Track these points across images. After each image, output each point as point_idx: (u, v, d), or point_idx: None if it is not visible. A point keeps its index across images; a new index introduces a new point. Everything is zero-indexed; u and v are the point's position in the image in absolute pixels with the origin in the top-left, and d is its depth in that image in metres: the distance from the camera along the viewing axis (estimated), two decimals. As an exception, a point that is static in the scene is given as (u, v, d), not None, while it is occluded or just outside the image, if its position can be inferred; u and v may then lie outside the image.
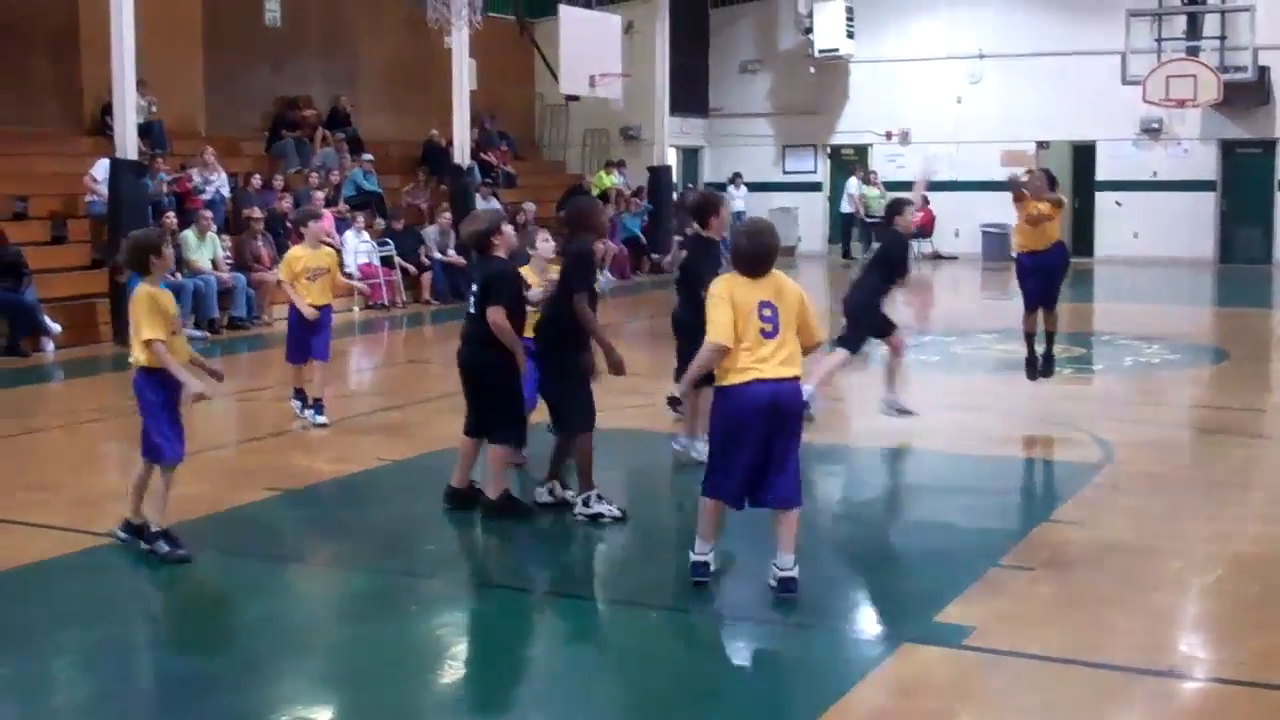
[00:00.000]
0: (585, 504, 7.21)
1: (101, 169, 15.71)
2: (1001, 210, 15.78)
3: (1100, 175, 26.24)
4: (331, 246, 12.17)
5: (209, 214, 16.62)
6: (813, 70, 27.72)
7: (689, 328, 7.54)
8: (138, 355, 6.47)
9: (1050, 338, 10.53)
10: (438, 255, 19.67)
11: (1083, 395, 11.52)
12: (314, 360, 9.98)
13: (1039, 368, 10.53)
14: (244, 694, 5.03)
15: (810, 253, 28.16)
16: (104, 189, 15.53)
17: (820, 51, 27.30)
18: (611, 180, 24.85)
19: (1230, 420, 10.38)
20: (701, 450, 7.65)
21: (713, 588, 6.06)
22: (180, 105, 19.26)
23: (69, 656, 5.49)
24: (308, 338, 9.94)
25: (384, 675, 5.18)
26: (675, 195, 25.38)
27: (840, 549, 7.09)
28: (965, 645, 5.34)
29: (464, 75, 19.48)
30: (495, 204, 19.52)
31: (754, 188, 27.90)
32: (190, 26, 19.57)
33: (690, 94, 27.71)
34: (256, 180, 18.55)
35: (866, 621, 5.97)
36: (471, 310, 7.18)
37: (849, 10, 27.11)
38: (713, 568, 6.08)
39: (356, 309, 18.00)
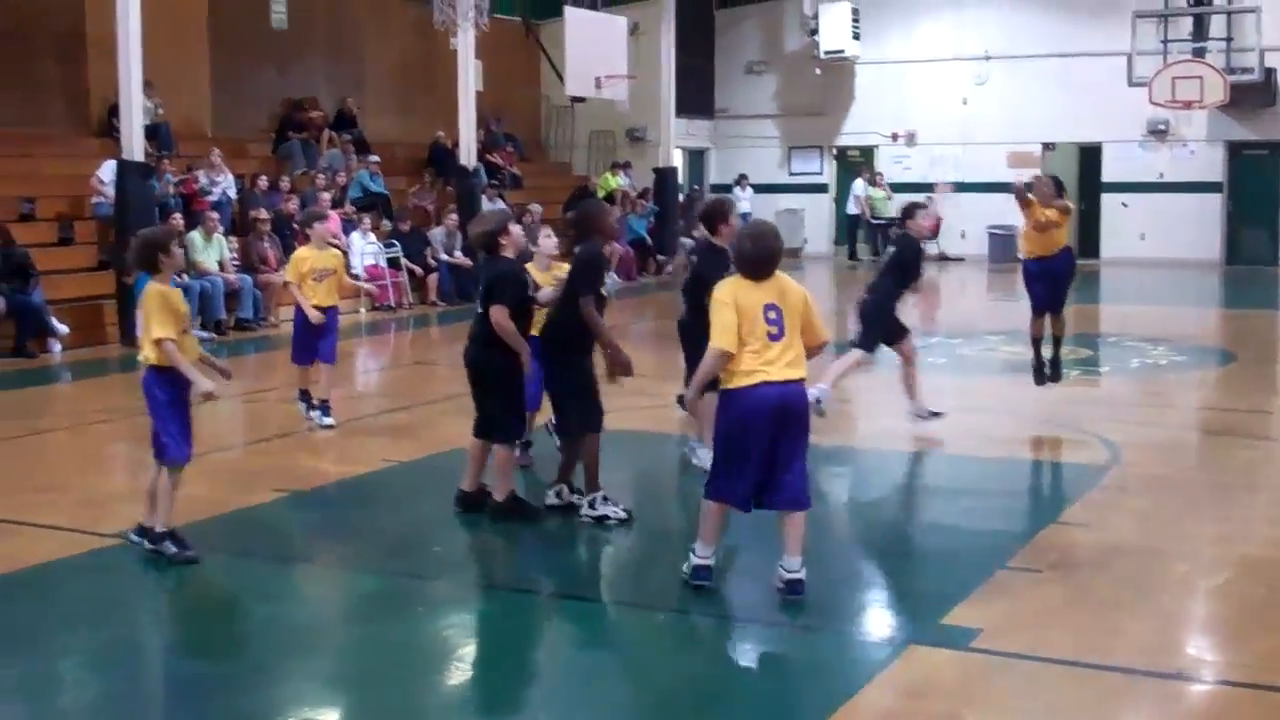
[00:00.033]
0: (591, 505, 7.21)
1: (108, 170, 15.74)
2: (1008, 212, 15.76)
3: (1106, 177, 26.18)
4: (338, 248, 12.18)
5: (215, 215, 16.65)
6: (818, 71, 27.68)
7: (695, 334, 7.53)
8: (148, 354, 6.46)
9: (1057, 343, 10.52)
10: (444, 257, 19.68)
11: (1089, 397, 11.50)
12: (321, 363, 9.99)
13: (1046, 373, 10.54)
14: (251, 695, 5.04)
15: (816, 254, 28.14)
16: (111, 190, 15.55)
17: (826, 53, 27.25)
18: (617, 182, 24.84)
19: (1237, 422, 10.36)
20: (703, 457, 7.64)
21: (719, 590, 6.06)
22: (187, 107, 19.28)
23: (76, 657, 5.50)
24: (314, 340, 9.94)
25: (390, 677, 5.19)
26: (681, 197, 25.37)
27: (847, 551, 7.10)
28: (973, 647, 5.33)
29: (470, 77, 19.48)
30: (501, 205, 19.50)
31: (760, 189, 27.91)
32: (196, 28, 19.58)
33: (696, 95, 27.68)
34: (263, 182, 18.58)
35: (873, 623, 5.96)
36: (479, 309, 7.22)
37: (855, 11, 27.07)
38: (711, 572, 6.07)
39: (363, 310, 18.01)
